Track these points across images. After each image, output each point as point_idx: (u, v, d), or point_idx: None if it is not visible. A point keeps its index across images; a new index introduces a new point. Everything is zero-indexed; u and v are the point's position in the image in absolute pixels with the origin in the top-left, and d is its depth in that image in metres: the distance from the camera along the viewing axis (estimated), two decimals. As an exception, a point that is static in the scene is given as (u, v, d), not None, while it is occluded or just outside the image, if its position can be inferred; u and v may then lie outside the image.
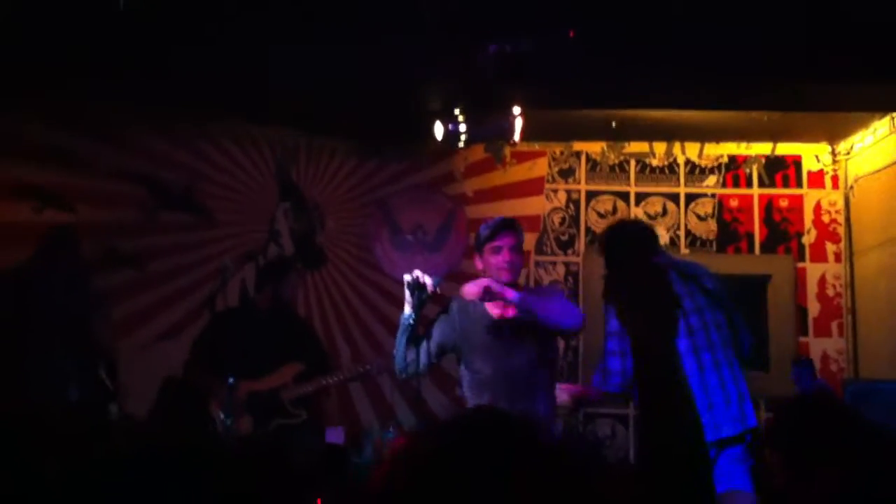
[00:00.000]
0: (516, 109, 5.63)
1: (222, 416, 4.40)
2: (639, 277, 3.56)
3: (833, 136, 6.91)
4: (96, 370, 5.38)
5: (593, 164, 7.16)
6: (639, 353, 3.57)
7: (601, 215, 7.10)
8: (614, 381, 3.82)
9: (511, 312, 3.90)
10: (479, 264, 4.17)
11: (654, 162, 7.16)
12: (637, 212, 7.11)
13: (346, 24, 4.60)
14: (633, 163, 7.16)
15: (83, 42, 4.83)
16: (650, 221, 7.08)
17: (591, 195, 7.13)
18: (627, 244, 3.94)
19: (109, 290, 6.37)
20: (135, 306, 6.48)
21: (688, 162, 7.15)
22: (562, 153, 7.15)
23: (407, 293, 3.94)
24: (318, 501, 2.98)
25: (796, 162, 7.09)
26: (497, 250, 4.05)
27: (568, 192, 7.13)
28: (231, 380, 4.40)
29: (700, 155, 7.12)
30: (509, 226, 4.18)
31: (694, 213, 7.10)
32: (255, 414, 4.93)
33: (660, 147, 7.14)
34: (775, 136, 6.90)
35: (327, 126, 6.56)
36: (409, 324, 3.90)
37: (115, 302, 6.38)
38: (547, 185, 7.13)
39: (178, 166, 6.74)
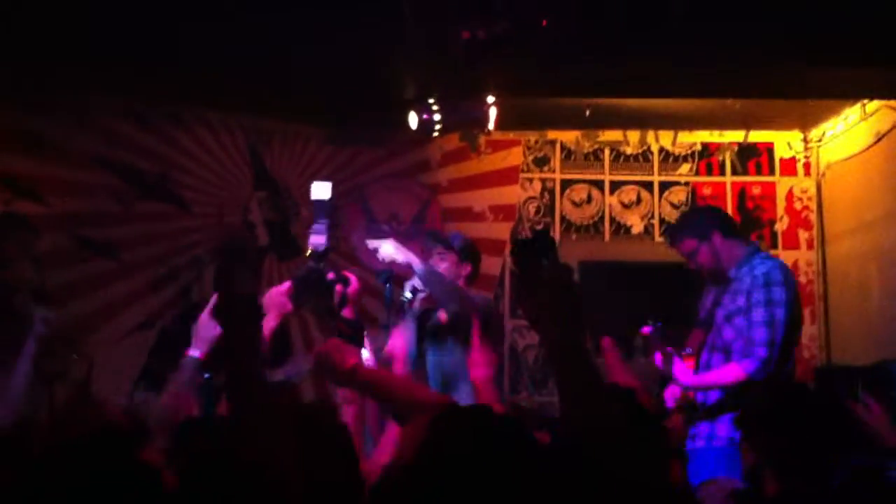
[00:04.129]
0: (490, 98, 5.64)
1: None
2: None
3: (805, 124, 6.95)
4: None
5: (568, 153, 7.18)
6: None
7: (576, 204, 7.12)
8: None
9: None
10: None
11: (628, 150, 7.18)
12: (611, 200, 7.13)
13: (321, 9, 4.58)
14: (607, 151, 7.18)
15: (56, 29, 4.79)
16: (625, 209, 7.12)
17: (565, 184, 7.15)
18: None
19: (83, 280, 6.34)
20: (109, 296, 6.43)
21: (661, 150, 7.18)
22: (536, 142, 7.17)
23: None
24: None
25: (769, 149, 7.13)
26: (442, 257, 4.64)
27: (543, 180, 7.14)
28: (207, 375, 4.38)
29: (673, 143, 7.16)
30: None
31: (668, 201, 7.14)
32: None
33: (633, 135, 7.16)
34: (748, 124, 6.94)
35: (301, 113, 6.53)
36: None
37: (90, 292, 6.35)
38: (522, 174, 7.14)
39: (151, 155, 6.68)
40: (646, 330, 4.19)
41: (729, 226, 4.50)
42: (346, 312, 3.12)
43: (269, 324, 3.11)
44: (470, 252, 4.87)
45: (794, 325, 4.23)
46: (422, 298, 4.58)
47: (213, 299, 3.29)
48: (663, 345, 4.15)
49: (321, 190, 3.22)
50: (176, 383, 3.10)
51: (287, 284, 3.15)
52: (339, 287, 3.11)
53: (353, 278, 3.19)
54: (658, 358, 4.13)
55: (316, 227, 3.10)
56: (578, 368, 1.84)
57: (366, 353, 3.21)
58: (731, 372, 4.11)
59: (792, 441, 2.54)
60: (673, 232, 4.68)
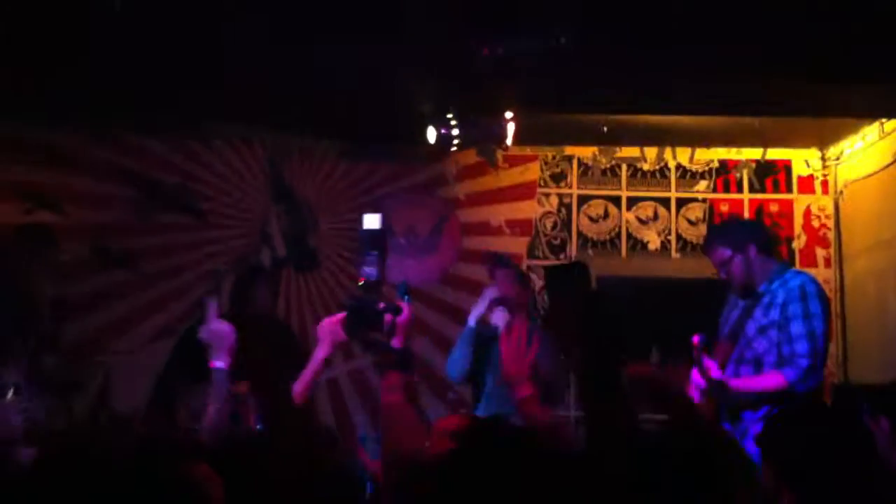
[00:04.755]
0: (508, 114, 5.66)
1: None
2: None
3: (823, 142, 6.94)
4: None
5: (585, 169, 7.19)
6: None
7: (593, 220, 7.13)
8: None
9: None
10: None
11: (646, 166, 7.19)
12: (628, 216, 7.13)
13: (341, 25, 4.61)
14: (624, 167, 7.19)
15: (77, 43, 4.84)
16: (642, 225, 7.12)
17: (582, 199, 7.16)
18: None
19: (102, 291, 6.38)
20: (127, 307, 6.48)
21: (679, 166, 7.18)
22: (553, 157, 7.18)
23: (482, 306, 4.64)
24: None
25: (786, 167, 7.12)
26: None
27: (560, 196, 7.15)
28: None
29: (691, 160, 7.16)
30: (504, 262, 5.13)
31: (685, 217, 7.13)
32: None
33: (651, 152, 7.17)
34: (766, 141, 6.94)
35: (320, 127, 6.57)
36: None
37: (109, 302, 6.39)
38: (539, 190, 7.15)
39: (170, 167, 6.74)
40: (696, 339, 4.22)
41: (766, 242, 4.51)
42: (396, 342, 3.15)
43: (321, 353, 3.17)
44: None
45: (828, 338, 4.25)
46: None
47: (212, 308, 3.35)
48: (702, 354, 4.19)
49: (371, 221, 3.24)
50: (214, 397, 3.14)
51: (341, 315, 3.18)
52: (388, 317, 3.14)
53: (405, 307, 3.21)
54: (705, 365, 4.17)
55: (367, 258, 3.13)
56: (608, 404, 1.86)
57: None
58: (772, 379, 4.13)
59: (811, 466, 2.52)
60: (709, 239, 4.67)
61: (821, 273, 6.90)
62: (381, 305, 3.12)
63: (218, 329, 3.22)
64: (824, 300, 4.26)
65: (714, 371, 4.13)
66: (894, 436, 2.99)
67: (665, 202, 7.16)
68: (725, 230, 4.85)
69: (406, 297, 4.07)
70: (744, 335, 4.32)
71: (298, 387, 3.16)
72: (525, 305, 4.98)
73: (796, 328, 4.13)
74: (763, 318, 4.26)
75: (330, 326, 3.17)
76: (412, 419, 3.01)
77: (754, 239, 4.40)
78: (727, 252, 4.35)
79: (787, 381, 4.08)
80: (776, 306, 4.22)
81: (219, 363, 3.18)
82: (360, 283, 3.16)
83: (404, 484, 2.07)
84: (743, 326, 4.34)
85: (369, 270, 3.10)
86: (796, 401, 4.04)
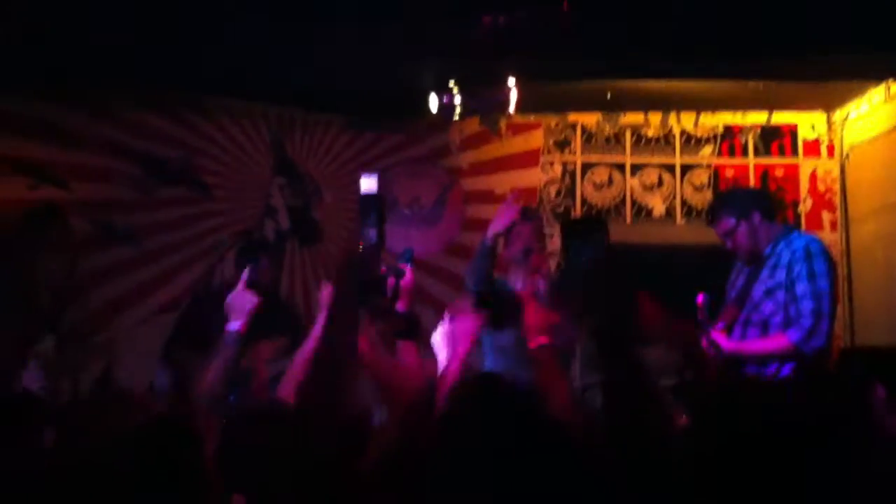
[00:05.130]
0: (511, 81, 5.62)
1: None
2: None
3: (829, 105, 6.89)
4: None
5: (588, 136, 7.15)
6: None
7: (597, 187, 7.09)
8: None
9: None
10: (504, 252, 4.66)
11: (650, 132, 7.14)
12: (633, 183, 7.10)
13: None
14: (628, 134, 7.14)
15: (79, 20, 4.81)
16: (646, 192, 7.09)
17: (586, 166, 7.12)
18: None
19: (106, 266, 6.38)
20: (132, 282, 6.47)
21: (683, 132, 7.13)
22: (557, 125, 7.13)
23: (500, 224, 4.44)
24: None
25: (792, 131, 7.08)
26: (519, 235, 4.50)
27: (564, 163, 7.12)
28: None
29: (695, 125, 7.11)
30: (530, 214, 4.69)
31: (690, 183, 7.10)
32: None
33: (655, 118, 7.12)
34: (771, 105, 6.89)
35: (322, 100, 6.54)
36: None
37: (112, 279, 6.39)
38: (542, 157, 7.12)
39: (173, 141, 6.71)
40: (700, 299, 4.24)
41: (769, 207, 4.53)
42: (400, 306, 3.11)
43: (322, 320, 3.11)
44: None
45: (834, 298, 4.25)
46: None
47: (245, 274, 3.32)
48: (706, 316, 4.21)
49: (369, 183, 3.19)
50: (220, 359, 3.12)
51: None
52: (391, 280, 3.10)
53: (407, 270, 3.17)
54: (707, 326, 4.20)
55: (366, 221, 3.09)
56: (624, 362, 1.84)
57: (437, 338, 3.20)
58: (777, 340, 4.16)
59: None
60: (713, 210, 4.65)
61: (827, 237, 6.86)
62: (384, 269, 3.08)
63: (243, 294, 3.20)
64: (829, 260, 4.27)
65: (715, 333, 4.16)
66: (890, 402, 2.98)
67: (670, 168, 7.12)
68: (728, 199, 4.83)
69: (410, 263, 4.03)
70: (750, 298, 4.33)
71: (301, 357, 3.12)
72: (546, 262, 4.89)
73: (801, 288, 4.16)
74: (769, 279, 4.27)
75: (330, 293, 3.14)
76: (390, 366, 2.98)
77: (758, 205, 4.41)
78: (731, 221, 4.35)
79: (792, 342, 4.10)
80: (782, 267, 4.23)
81: (233, 325, 3.16)
82: (360, 248, 3.13)
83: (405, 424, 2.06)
84: (749, 289, 4.35)
85: (368, 233, 3.07)
86: (803, 361, 4.06)
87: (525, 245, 4.54)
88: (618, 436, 1.84)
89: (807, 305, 4.13)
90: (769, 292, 4.26)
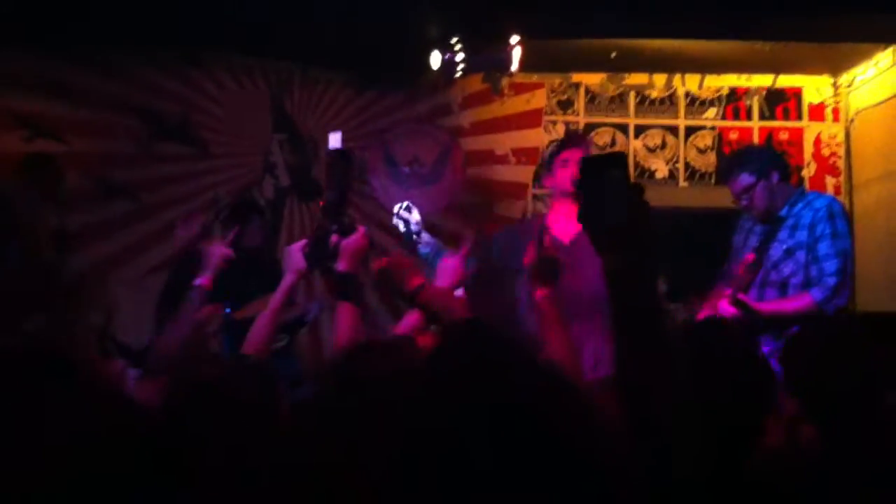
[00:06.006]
0: (514, 39, 5.55)
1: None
2: None
3: (835, 68, 6.83)
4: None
5: (592, 97, 7.08)
6: None
7: (600, 148, 7.03)
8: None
9: None
10: (547, 182, 4.38)
11: (654, 94, 7.07)
12: (636, 144, 7.04)
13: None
14: (632, 95, 7.07)
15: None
16: (649, 154, 7.04)
17: (589, 127, 7.05)
18: None
19: (103, 221, 6.34)
20: (130, 238, 6.44)
21: (687, 94, 7.07)
22: (560, 85, 7.06)
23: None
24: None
25: (797, 94, 7.02)
26: (564, 163, 4.01)
27: (566, 124, 7.05)
28: (228, 310, 4.37)
29: (700, 87, 7.04)
30: (578, 140, 4.44)
31: (694, 145, 7.04)
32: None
33: (659, 79, 7.05)
34: (776, 68, 6.82)
35: (322, 56, 6.47)
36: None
37: (110, 234, 6.36)
38: (545, 118, 7.05)
39: (171, 97, 6.64)
40: (750, 257, 4.24)
41: (787, 168, 4.50)
42: (341, 265, 2.95)
43: (286, 281, 3.02)
44: None
45: (853, 258, 4.27)
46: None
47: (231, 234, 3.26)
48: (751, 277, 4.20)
49: (334, 140, 3.10)
50: (182, 315, 3.05)
51: (303, 241, 3.04)
52: (334, 237, 2.95)
53: (360, 231, 3.01)
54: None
55: (329, 179, 3.00)
56: (640, 300, 1.79)
57: None
58: (801, 300, 4.14)
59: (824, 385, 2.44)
60: (731, 165, 4.57)
61: (830, 202, 6.84)
62: (334, 227, 2.94)
63: (215, 247, 3.14)
64: (848, 221, 4.28)
65: (742, 295, 4.14)
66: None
67: (673, 130, 7.06)
68: (748, 157, 4.74)
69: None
70: (768, 258, 4.29)
71: (267, 311, 2.99)
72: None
73: (824, 247, 4.14)
74: (790, 238, 4.24)
75: (293, 254, 3.03)
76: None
77: (777, 166, 4.37)
78: (751, 178, 4.29)
79: (815, 301, 4.09)
80: (803, 227, 4.21)
81: (199, 280, 3.10)
82: (321, 206, 3.01)
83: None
84: (767, 250, 4.31)
85: (328, 192, 2.96)
86: (824, 321, 4.03)
87: (574, 175, 3.79)
88: (630, 380, 1.80)
89: (831, 265, 4.11)
90: (790, 252, 4.23)
